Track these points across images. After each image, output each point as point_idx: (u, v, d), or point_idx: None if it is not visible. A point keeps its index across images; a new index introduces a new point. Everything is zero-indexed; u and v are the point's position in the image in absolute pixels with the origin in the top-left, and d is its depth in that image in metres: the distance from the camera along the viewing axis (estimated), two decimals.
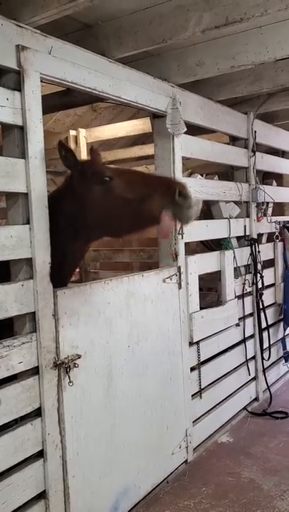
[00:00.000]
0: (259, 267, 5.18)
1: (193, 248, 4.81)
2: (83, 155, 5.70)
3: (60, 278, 2.87)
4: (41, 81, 2.77)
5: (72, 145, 5.73)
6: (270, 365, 5.54)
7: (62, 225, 2.83)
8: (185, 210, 2.58)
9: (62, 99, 3.98)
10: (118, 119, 5.91)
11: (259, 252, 5.15)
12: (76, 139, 5.69)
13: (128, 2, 3.00)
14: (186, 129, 3.79)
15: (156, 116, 3.88)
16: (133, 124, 5.40)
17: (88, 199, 2.76)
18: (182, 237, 3.96)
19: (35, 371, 2.73)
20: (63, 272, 2.94)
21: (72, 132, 5.62)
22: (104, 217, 2.78)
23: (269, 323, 5.38)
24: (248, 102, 5.04)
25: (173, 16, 3.05)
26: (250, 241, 5.10)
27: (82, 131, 5.62)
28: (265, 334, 5.29)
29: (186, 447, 4.05)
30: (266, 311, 5.28)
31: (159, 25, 3.11)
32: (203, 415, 4.36)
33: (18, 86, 2.62)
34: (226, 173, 5.32)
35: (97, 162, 2.85)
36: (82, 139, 5.65)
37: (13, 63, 2.58)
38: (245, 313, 5.06)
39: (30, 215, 2.67)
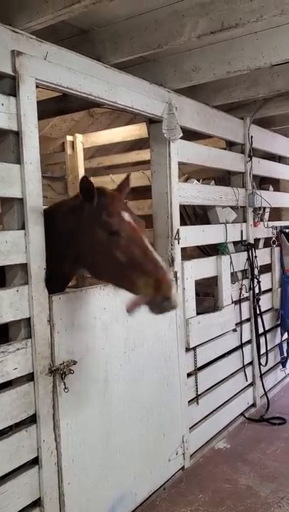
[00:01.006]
0: (256, 272, 5.18)
1: (189, 253, 4.80)
2: (80, 160, 5.71)
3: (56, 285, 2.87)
4: (37, 86, 2.77)
5: (68, 150, 5.74)
6: (267, 371, 5.53)
7: (57, 238, 2.82)
8: (160, 307, 2.55)
9: (59, 105, 3.98)
10: (115, 124, 5.92)
11: (256, 257, 5.15)
12: (73, 144, 5.70)
13: (123, 8, 3.00)
14: (182, 135, 3.80)
15: (153, 122, 3.88)
16: (130, 130, 5.40)
17: (87, 233, 2.72)
18: (178, 242, 3.96)
19: (30, 377, 2.71)
20: (59, 280, 2.93)
21: (69, 137, 5.63)
22: (92, 256, 2.76)
23: (266, 328, 5.36)
24: (245, 107, 5.05)
25: (168, 22, 3.05)
26: (246, 246, 5.09)
27: (79, 137, 5.62)
28: (262, 340, 5.28)
29: (183, 454, 4.03)
30: (263, 317, 5.28)
31: (155, 31, 3.11)
32: (200, 421, 4.34)
33: (13, 91, 2.62)
34: (223, 178, 5.33)
35: (114, 207, 2.73)
36: (79, 145, 5.65)
37: (9, 68, 2.58)
38: (242, 319, 5.05)
39: (26, 221, 2.66)
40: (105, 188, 2.83)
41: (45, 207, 2.82)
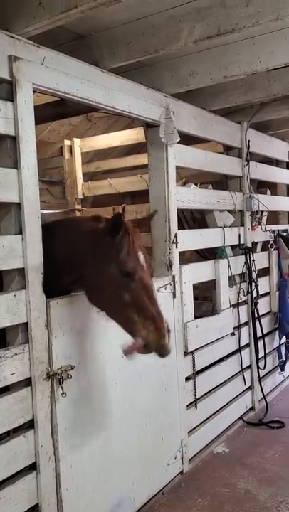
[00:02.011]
0: (254, 275, 5.18)
1: (187, 257, 4.81)
2: (77, 164, 5.72)
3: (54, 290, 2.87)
4: (34, 91, 2.77)
5: (66, 155, 5.75)
6: (265, 374, 5.52)
7: (65, 252, 2.84)
8: (154, 351, 2.66)
9: (57, 109, 3.99)
10: (113, 128, 5.93)
11: (254, 260, 5.15)
12: (71, 148, 5.71)
13: (121, 13, 3.01)
14: (179, 139, 3.81)
15: (150, 126, 3.89)
16: (127, 134, 5.42)
17: (99, 262, 2.70)
18: (176, 246, 3.96)
19: (27, 382, 2.70)
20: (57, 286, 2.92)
21: (67, 142, 5.64)
22: (97, 285, 2.75)
23: (264, 332, 5.37)
24: (242, 112, 5.07)
25: (165, 27, 3.06)
26: (244, 250, 5.10)
27: (77, 141, 5.64)
28: (260, 343, 5.27)
29: (182, 458, 4.02)
30: (261, 320, 5.28)
31: (152, 36, 3.12)
32: (198, 425, 4.33)
33: (10, 96, 2.62)
34: (220, 182, 5.34)
35: (134, 247, 2.70)
36: (77, 149, 5.66)
37: (6, 74, 2.59)
38: (241, 322, 5.05)
39: (23, 225, 2.66)
40: (128, 224, 2.76)
41: (60, 218, 2.79)
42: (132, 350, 2.63)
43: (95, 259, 2.72)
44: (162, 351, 2.65)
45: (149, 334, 2.60)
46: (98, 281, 2.73)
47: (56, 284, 2.86)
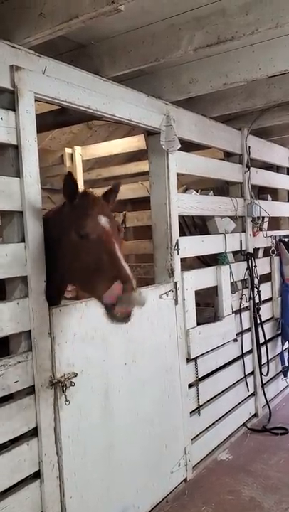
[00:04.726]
0: (256, 281, 5.18)
1: (189, 263, 4.81)
2: (79, 172, 5.73)
3: (53, 294, 2.85)
4: (36, 100, 2.79)
5: (67, 163, 5.76)
6: (268, 381, 5.51)
7: (49, 242, 2.79)
8: (129, 297, 2.47)
9: (58, 118, 4.00)
10: (113, 136, 5.95)
11: (255, 266, 5.15)
12: (72, 156, 5.72)
13: (121, 22, 3.03)
14: (180, 146, 3.82)
15: (151, 134, 3.91)
16: (128, 141, 5.43)
17: (63, 235, 2.69)
18: (178, 253, 3.97)
19: (31, 390, 2.70)
20: (55, 288, 2.89)
21: (68, 150, 5.66)
22: (66, 259, 2.71)
23: (267, 337, 5.35)
24: (242, 118, 5.08)
25: (165, 35, 3.09)
26: (246, 256, 5.10)
27: (78, 149, 5.65)
28: (263, 349, 5.26)
29: (186, 465, 4.00)
30: (264, 326, 5.27)
31: (152, 45, 3.15)
32: (202, 432, 4.31)
33: (12, 105, 2.64)
34: (221, 188, 5.35)
35: (92, 209, 2.67)
36: (78, 157, 5.68)
37: (7, 83, 2.61)
38: (243, 329, 5.04)
39: (26, 234, 2.67)
40: (90, 191, 2.80)
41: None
42: (109, 297, 2.45)
43: (64, 234, 2.68)
44: (132, 304, 2.46)
45: (110, 289, 2.43)
46: (65, 254, 2.68)
47: (51, 280, 2.80)
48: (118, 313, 2.47)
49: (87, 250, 2.58)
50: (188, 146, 4.26)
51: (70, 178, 2.63)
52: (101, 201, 2.80)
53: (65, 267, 2.76)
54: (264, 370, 5.25)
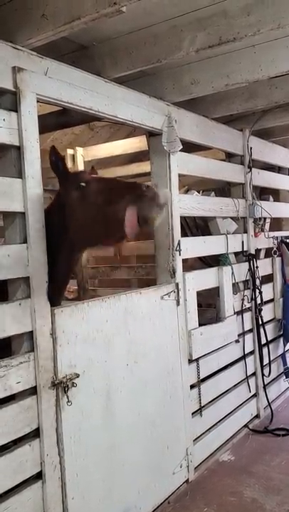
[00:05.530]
0: (258, 282, 5.17)
1: (191, 264, 4.81)
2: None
3: (52, 294, 2.85)
4: (38, 101, 2.80)
5: (69, 164, 5.76)
6: (270, 382, 5.50)
7: (50, 237, 2.81)
8: (148, 203, 2.50)
9: (60, 119, 4.01)
10: (115, 137, 5.96)
11: (257, 267, 5.15)
12: (73, 157, 5.73)
13: (123, 23, 3.04)
14: (181, 147, 3.82)
15: (152, 135, 3.91)
16: (130, 142, 5.44)
17: (67, 205, 2.76)
18: (180, 254, 3.97)
19: (33, 391, 2.70)
20: (55, 288, 2.91)
21: (70, 151, 5.66)
22: (80, 223, 2.75)
23: (269, 338, 5.35)
24: (244, 119, 5.09)
25: (167, 37, 3.09)
26: (248, 256, 5.10)
27: (80, 150, 5.66)
28: (265, 350, 5.26)
29: (187, 466, 4.00)
30: (266, 327, 5.26)
31: (154, 46, 3.15)
32: (203, 433, 4.31)
33: (14, 107, 2.65)
34: (223, 189, 5.35)
35: (81, 172, 2.87)
36: (80, 158, 5.68)
37: (10, 84, 2.61)
38: (245, 329, 5.04)
39: (28, 235, 2.68)
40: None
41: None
42: (129, 227, 2.46)
43: (65, 207, 2.78)
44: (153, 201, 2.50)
45: (127, 198, 2.50)
46: (76, 219, 2.74)
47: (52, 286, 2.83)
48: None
49: (91, 198, 2.66)
50: (189, 147, 4.27)
51: (54, 152, 2.71)
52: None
53: (76, 229, 2.77)
54: (266, 371, 5.25)
